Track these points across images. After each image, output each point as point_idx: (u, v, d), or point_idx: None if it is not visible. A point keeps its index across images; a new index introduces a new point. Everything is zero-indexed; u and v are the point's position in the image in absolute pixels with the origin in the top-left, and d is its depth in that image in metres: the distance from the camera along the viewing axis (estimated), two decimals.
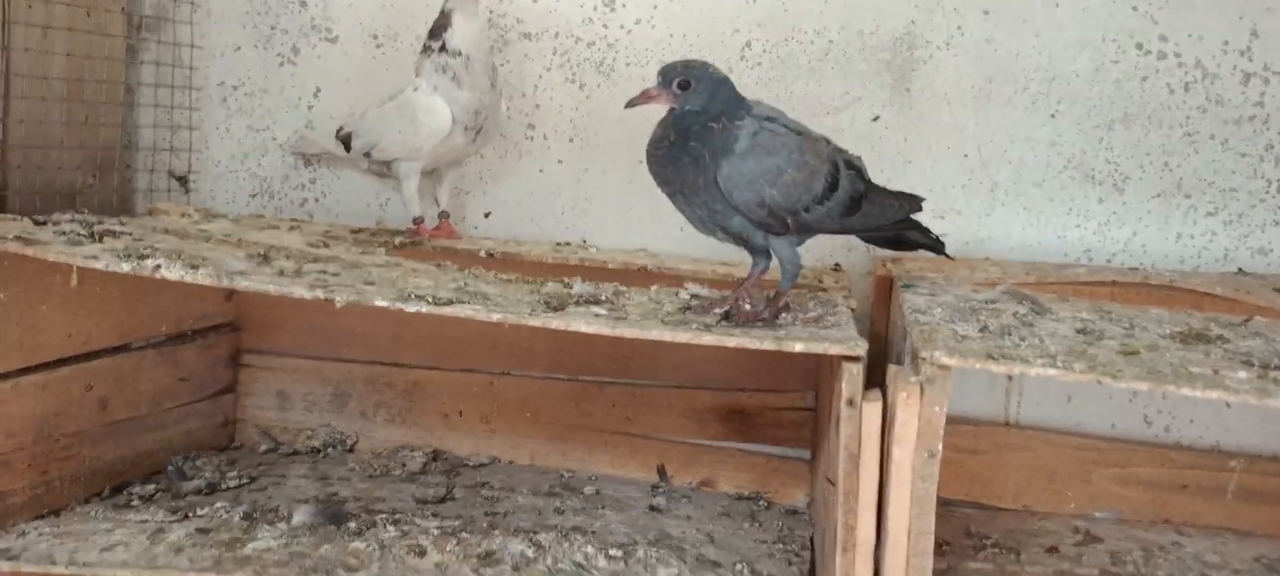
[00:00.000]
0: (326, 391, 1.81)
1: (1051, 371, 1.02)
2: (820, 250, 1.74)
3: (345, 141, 1.65)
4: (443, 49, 1.58)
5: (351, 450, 1.79)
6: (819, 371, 1.60)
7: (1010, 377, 1.71)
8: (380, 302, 1.15)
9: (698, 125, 1.21)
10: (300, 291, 1.15)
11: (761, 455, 1.74)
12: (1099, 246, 1.70)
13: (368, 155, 1.64)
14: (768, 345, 1.13)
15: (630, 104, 1.24)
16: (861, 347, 1.11)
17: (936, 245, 1.37)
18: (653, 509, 1.61)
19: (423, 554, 1.33)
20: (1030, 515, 1.69)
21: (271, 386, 1.81)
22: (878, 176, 1.70)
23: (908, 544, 1.06)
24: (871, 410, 1.08)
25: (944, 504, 1.70)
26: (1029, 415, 1.72)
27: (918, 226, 1.36)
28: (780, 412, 1.73)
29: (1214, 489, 1.68)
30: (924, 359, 1.06)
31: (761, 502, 1.69)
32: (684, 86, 1.21)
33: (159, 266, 1.16)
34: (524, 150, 1.82)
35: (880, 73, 1.73)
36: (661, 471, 1.75)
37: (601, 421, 1.77)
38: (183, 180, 1.87)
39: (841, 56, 1.74)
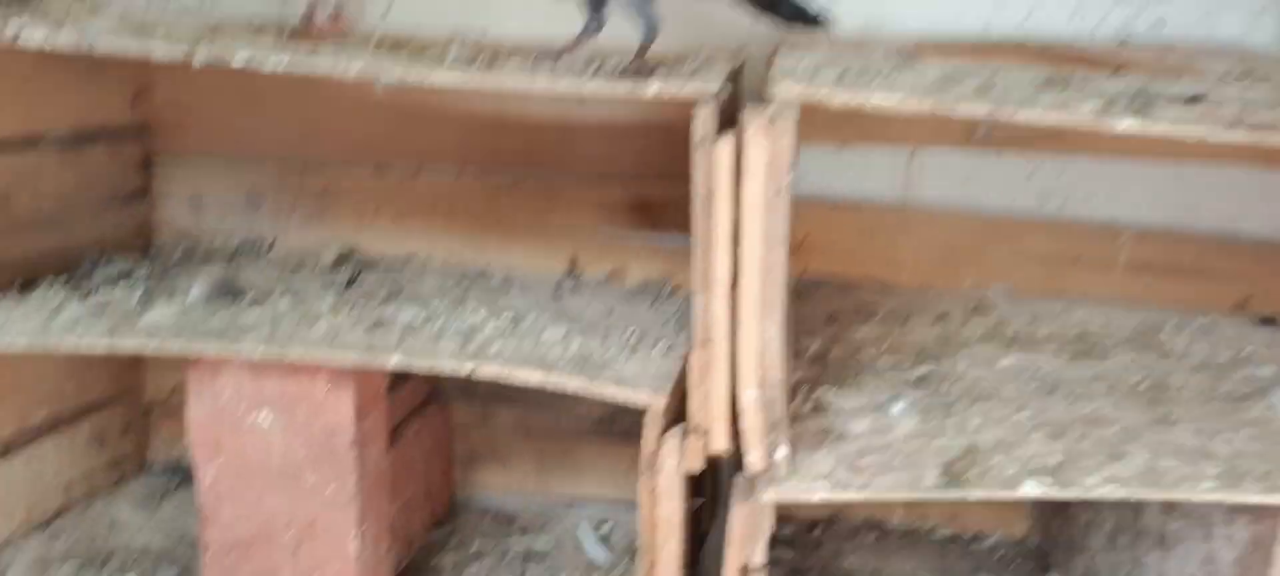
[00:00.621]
0: (240, 195, 1.83)
1: (891, 100, 1.04)
2: (726, 34, 1.74)
3: None
4: None
5: (270, 250, 1.82)
6: None
7: (910, 155, 1.74)
8: (239, 55, 1.16)
9: None
10: (159, 48, 1.16)
11: (671, 247, 1.77)
12: (997, 20, 1.70)
13: None
14: (621, 92, 1.15)
15: None
16: (713, 88, 1.12)
17: (801, 14, 1.35)
18: (557, 292, 1.66)
19: (315, 322, 1.37)
20: (927, 292, 1.74)
21: (185, 192, 1.83)
22: None
23: (760, 279, 1.10)
24: (723, 148, 1.10)
25: (842, 284, 1.76)
26: (928, 197, 1.75)
27: None
28: (688, 203, 1.75)
29: (1106, 260, 1.72)
30: (774, 96, 1.07)
31: (666, 288, 1.74)
32: None
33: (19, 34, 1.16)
34: None
35: None
36: (573, 263, 1.79)
37: (514, 217, 1.80)
38: None
39: None
